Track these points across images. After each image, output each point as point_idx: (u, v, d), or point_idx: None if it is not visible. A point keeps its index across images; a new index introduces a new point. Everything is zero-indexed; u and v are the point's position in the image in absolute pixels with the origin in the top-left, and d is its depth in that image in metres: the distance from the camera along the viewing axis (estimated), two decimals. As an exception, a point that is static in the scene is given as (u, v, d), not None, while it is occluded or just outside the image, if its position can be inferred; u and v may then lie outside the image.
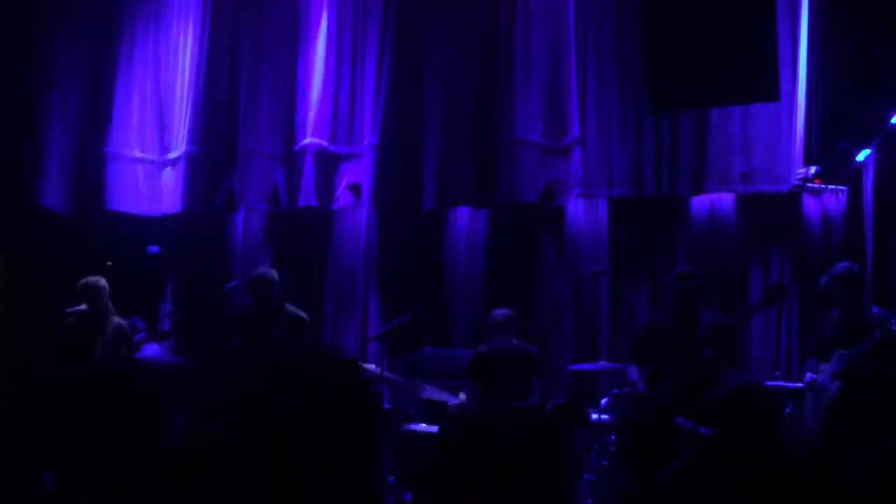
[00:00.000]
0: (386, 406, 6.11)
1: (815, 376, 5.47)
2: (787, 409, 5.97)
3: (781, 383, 6.37)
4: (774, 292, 5.51)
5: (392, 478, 5.67)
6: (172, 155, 7.85)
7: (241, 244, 7.86)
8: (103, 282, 5.99)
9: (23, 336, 7.11)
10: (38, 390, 5.79)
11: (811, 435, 5.48)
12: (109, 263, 7.50)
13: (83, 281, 5.98)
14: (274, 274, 6.16)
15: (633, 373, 5.65)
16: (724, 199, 7.07)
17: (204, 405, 5.97)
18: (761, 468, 2.13)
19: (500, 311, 6.24)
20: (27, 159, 7.71)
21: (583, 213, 7.31)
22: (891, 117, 5.51)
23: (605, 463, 5.67)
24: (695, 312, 5.54)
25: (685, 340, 5.43)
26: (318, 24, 7.70)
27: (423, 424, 5.90)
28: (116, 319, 5.94)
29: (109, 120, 7.83)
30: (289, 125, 7.67)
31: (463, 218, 7.60)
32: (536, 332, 6.84)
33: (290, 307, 6.14)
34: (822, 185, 6.74)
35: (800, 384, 6.01)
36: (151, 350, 6.50)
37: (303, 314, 6.09)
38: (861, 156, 6.26)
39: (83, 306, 5.86)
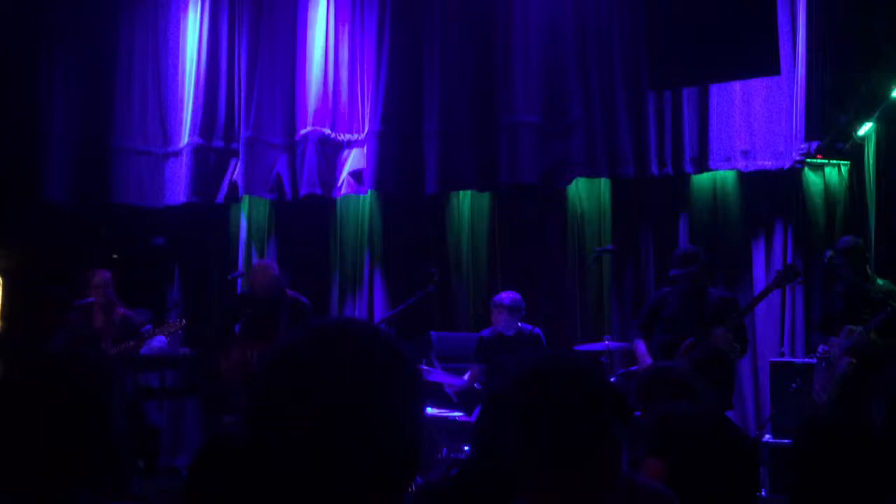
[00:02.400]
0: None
1: (827, 348, 5.49)
2: (794, 385, 6.00)
3: (789, 359, 6.40)
4: (786, 274, 5.52)
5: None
6: (175, 147, 7.86)
7: (244, 233, 7.88)
8: (109, 274, 6.01)
9: (30, 329, 7.15)
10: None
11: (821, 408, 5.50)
12: (115, 256, 7.53)
13: (89, 274, 6.00)
14: (273, 265, 6.20)
15: (641, 346, 5.66)
16: (727, 177, 7.08)
17: (211, 394, 6.02)
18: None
19: (506, 294, 6.27)
20: (31, 154, 7.72)
21: (586, 193, 7.31)
22: (891, 90, 5.49)
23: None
24: (704, 289, 5.56)
25: (694, 316, 5.45)
26: (317, 11, 7.68)
27: (430, 408, 5.93)
28: (123, 311, 5.96)
29: (112, 113, 7.83)
30: (290, 114, 7.66)
31: (466, 201, 7.60)
32: (541, 314, 6.85)
33: (293, 294, 6.16)
34: (824, 160, 6.73)
35: (806, 360, 6.03)
36: (159, 341, 6.53)
37: (305, 300, 6.12)
38: (862, 130, 6.24)
39: (91, 299, 5.88)
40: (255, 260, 7.44)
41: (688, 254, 5.70)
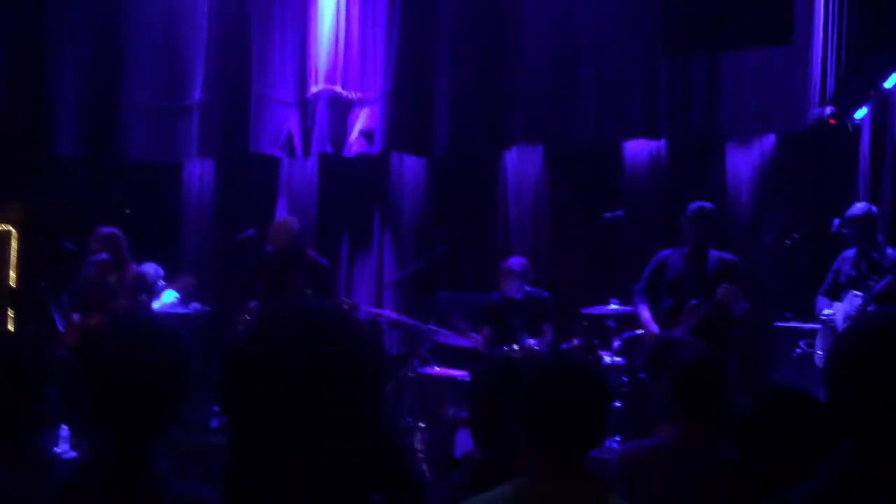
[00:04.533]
0: (402, 350, 6.23)
1: (832, 312, 5.52)
2: (798, 350, 6.04)
3: (794, 324, 6.43)
4: (776, 241, 5.53)
5: (409, 418, 5.81)
6: (186, 103, 7.86)
7: (255, 191, 7.92)
8: (120, 231, 6.07)
9: (44, 283, 7.25)
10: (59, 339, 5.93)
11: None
12: (128, 211, 7.60)
13: (101, 230, 6.05)
14: (295, 221, 6.24)
15: (645, 312, 5.69)
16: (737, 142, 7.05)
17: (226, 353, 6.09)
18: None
19: (514, 259, 6.33)
20: (42, 109, 7.74)
21: (597, 156, 7.31)
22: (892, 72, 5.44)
23: (618, 404, 5.76)
24: (706, 250, 5.58)
25: (696, 275, 5.48)
26: (329, -31, 7.62)
27: (437, 367, 6.02)
28: (136, 267, 6.03)
29: (122, 68, 7.83)
30: (301, 71, 7.64)
31: (475, 163, 7.60)
32: (549, 277, 6.90)
33: (312, 253, 6.22)
34: (836, 125, 6.69)
35: (812, 325, 6.06)
36: (170, 296, 6.61)
37: (324, 261, 6.18)
38: (859, 114, 6.24)
39: (103, 255, 5.94)
40: (281, 216, 7.44)
41: (700, 208, 5.68)
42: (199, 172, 8.05)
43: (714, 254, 5.66)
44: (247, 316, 5.89)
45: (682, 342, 3.57)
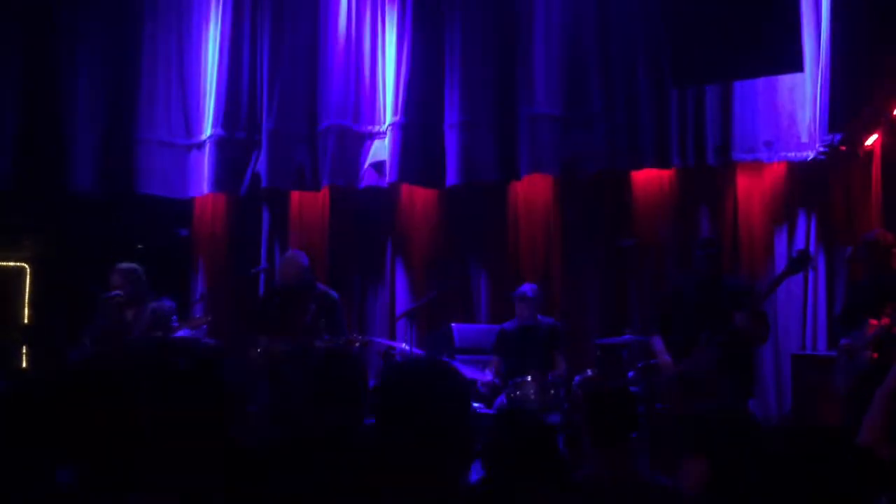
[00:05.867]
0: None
1: (849, 341, 5.49)
2: (816, 378, 6.00)
3: (810, 352, 6.40)
4: (799, 260, 5.50)
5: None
6: (198, 138, 7.92)
7: (267, 226, 7.95)
8: (139, 268, 6.09)
9: (58, 320, 7.27)
10: (75, 376, 5.93)
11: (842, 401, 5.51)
12: (140, 246, 7.63)
13: (120, 266, 6.08)
14: (303, 255, 6.25)
15: (658, 343, 5.68)
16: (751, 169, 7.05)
17: (239, 387, 6.08)
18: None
19: (528, 286, 6.34)
20: (57, 146, 7.81)
21: (607, 186, 7.32)
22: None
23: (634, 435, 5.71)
24: (719, 278, 5.58)
25: (711, 303, 5.46)
26: (339, 2, 7.70)
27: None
28: (153, 304, 6.04)
29: (136, 105, 7.90)
30: (312, 105, 7.70)
31: (485, 194, 7.61)
32: (562, 307, 6.89)
33: (322, 287, 6.22)
34: (847, 152, 6.69)
35: (828, 353, 6.02)
36: (184, 335, 6.62)
37: (334, 293, 6.18)
38: (869, 142, 6.25)
39: (119, 291, 5.96)
40: (290, 250, 7.47)
41: (709, 239, 5.72)
42: (211, 208, 8.08)
43: (728, 280, 5.64)
44: (257, 350, 5.89)
45: (695, 372, 3.56)
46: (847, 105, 5.96)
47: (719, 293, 5.50)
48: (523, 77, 7.23)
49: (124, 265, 6.05)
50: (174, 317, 6.28)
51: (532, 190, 7.47)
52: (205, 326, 6.25)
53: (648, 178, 7.23)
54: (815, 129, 6.67)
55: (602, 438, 2.87)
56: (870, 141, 6.35)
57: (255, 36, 7.84)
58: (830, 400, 5.75)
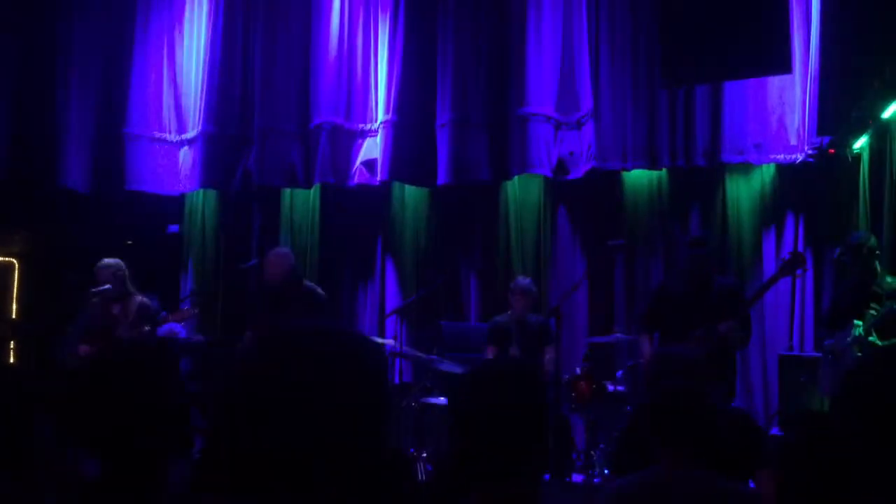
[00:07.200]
0: (404, 380, 6.21)
1: (833, 342, 5.51)
2: (802, 378, 6.04)
3: (796, 353, 6.43)
4: (791, 262, 5.52)
5: (412, 449, 5.78)
6: (189, 135, 7.91)
7: (257, 223, 7.95)
8: (122, 263, 6.09)
9: (46, 315, 7.26)
10: (63, 370, 5.92)
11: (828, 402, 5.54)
12: (130, 242, 7.62)
13: (105, 262, 6.07)
14: (289, 252, 6.24)
15: (647, 341, 5.69)
16: (740, 170, 7.08)
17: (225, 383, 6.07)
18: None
19: (525, 280, 6.37)
20: (47, 141, 7.79)
21: (598, 186, 7.34)
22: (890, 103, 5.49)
23: (616, 434, 5.74)
24: (709, 278, 5.57)
25: (699, 305, 5.46)
26: (331, 1, 7.71)
27: (441, 398, 6.00)
28: (139, 298, 6.04)
29: (127, 101, 7.89)
30: (304, 103, 7.70)
31: (476, 192, 7.63)
32: (553, 305, 6.90)
33: (309, 284, 6.22)
34: (835, 154, 6.73)
35: (814, 354, 6.06)
36: (173, 329, 6.61)
37: (321, 292, 6.17)
38: (857, 146, 6.28)
39: (106, 286, 5.95)
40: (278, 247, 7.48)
41: (700, 237, 5.71)
42: (201, 204, 8.07)
43: (716, 280, 5.66)
44: (239, 346, 5.87)
45: (679, 354, 3.55)
46: (836, 108, 5.99)
47: (708, 293, 5.51)
48: (515, 77, 7.25)
49: (109, 260, 6.04)
50: (163, 313, 6.28)
51: (523, 189, 7.49)
52: (192, 320, 6.24)
53: (639, 179, 7.25)
54: (803, 132, 6.70)
55: (671, 438, 2.74)
56: (858, 143, 6.39)
57: (248, 32, 7.84)
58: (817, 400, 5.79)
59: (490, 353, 6.32)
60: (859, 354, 5.21)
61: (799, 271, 5.65)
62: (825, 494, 1.90)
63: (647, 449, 2.90)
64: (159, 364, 1.86)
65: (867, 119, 6.05)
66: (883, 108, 5.81)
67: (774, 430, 6.02)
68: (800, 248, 6.87)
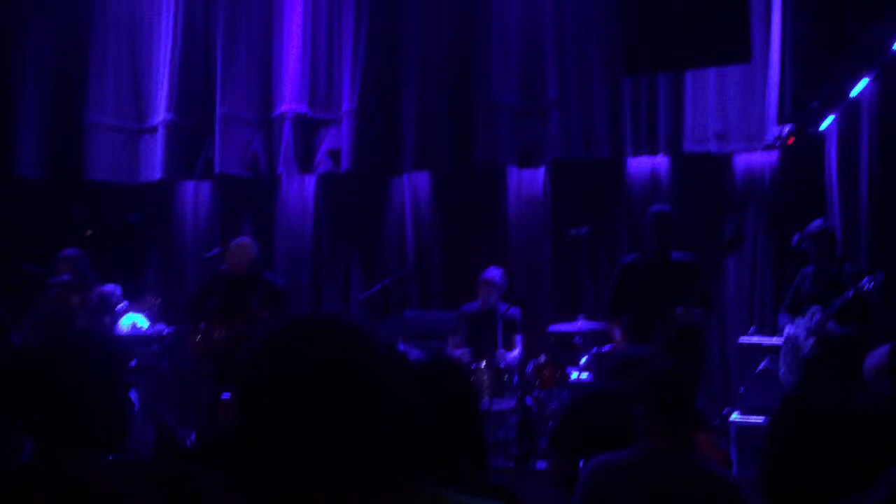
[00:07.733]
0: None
1: (793, 329, 5.57)
2: (762, 365, 6.11)
3: (757, 338, 6.50)
4: (731, 241, 5.59)
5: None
6: (150, 123, 7.80)
7: (219, 212, 7.87)
8: (81, 253, 6.01)
9: (2, 306, 7.12)
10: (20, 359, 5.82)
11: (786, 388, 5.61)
12: (89, 232, 7.50)
13: (65, 252, 5.99)
14: (252, 243, 6.18)
15: (615, 326, 5.70)
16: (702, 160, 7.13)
17: (183, 371, 6.03)
18: None
19: (493, 269, 6.37)
20: (4, 129, 7.64)
21: (561, 175, 7.36)
22: (858, 80, 5.53)
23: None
24: (667, 253, 5.60)
25: (661, 279, 5.49)
26: (295, -11, 7.64)
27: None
28: (99, 289, 5.96)
29: (86, 88, 7.76)
30: (266, 91, 7.63)
31: (439, 182, 7.61)
32: (518, 293, 6.91)
33: (269, 275, 6.16)
34: (794, 144, 6.81)
35: (774, 339, 6.13)
36: (134, 318, 6.53)
37: (281, 281, 6.12)
38: (825, 124, 6.31)
39: (65, 277, 5.87)
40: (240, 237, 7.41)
41: (663, 211, 5.72)
42: (163, 193, 7.97)
43: (675, 255, 5.68)
44: (197, 336, 5.80)
45: (646, 358, 3.58)
46: (795, 95, 6.04)
47: (668, 267, 5.54)
48: (480, 66, 7.24)
49: (68, 251, 5.96)
50: (125, 303, 6.20)
51: (485, 179, 7.48)
52: (155, 309, 6.17)
53: (604, 167, 7.28)
54: (765, 121, 6.77)
55: (662, 417, 2.77)
56: (825, 124, 6.37)
57: (209, 18, 7.74)
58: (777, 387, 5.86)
59: (455, 342, 6.33)
60: (816, 342, 5.29)
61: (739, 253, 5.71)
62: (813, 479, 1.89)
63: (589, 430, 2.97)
64: (97, 356, 1.90)
65: (833, 99, 6.04)
66: (850, 87, 5.79)
67: (736, 416, 6.09)
68: (760, 236, 6.95)
